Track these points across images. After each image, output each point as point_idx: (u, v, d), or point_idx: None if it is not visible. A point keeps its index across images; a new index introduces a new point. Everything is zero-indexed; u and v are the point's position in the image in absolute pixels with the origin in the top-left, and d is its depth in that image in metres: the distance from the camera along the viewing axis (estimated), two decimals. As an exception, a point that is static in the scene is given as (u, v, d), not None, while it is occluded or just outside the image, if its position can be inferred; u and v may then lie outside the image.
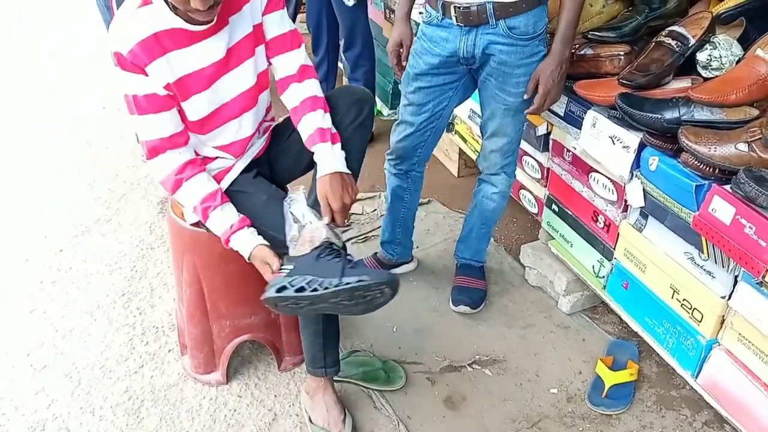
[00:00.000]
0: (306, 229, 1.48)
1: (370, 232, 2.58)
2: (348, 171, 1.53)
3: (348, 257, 1.48)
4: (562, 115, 1.92)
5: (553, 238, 2.18)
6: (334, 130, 1.55)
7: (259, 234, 1.54)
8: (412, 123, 1.91)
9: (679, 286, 1.67)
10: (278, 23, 1.54)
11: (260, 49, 1.54)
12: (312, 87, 1.58)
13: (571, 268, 2.10)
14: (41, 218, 2.74)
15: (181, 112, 1.49)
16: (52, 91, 3.99)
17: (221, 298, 1.77)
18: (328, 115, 1.56)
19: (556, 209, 2.12)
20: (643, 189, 1.67)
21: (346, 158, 1.54)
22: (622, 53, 1.74)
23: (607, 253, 1.92)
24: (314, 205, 1.53)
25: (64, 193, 2.90)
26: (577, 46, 1.82)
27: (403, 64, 1.88)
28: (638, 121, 1.57)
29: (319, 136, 1.51)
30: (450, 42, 1.70)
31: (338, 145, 1.54)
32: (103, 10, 2.64)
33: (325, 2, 2.97)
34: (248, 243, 1.51)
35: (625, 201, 1.77)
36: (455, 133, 2.75)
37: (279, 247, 1.51)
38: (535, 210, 2.30)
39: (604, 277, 1.97)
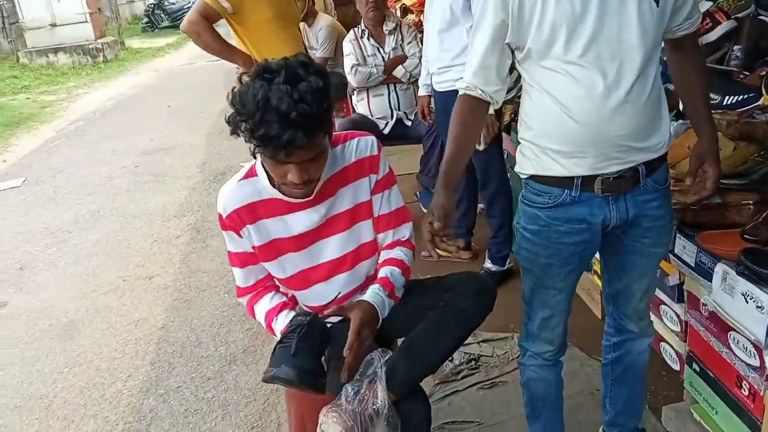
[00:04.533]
0: (366, 390, 1.51)
1: (498, 377, 2.45)
2: (380, 316, 1.53)
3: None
4: (692, 265, 1.75)
5: (697, 402, 1.92)
6: (400, 294, 1.61)
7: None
8: (566, 309, 1.65)
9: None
10: (384, 203, 1.65)
11: (362, 224, 1.64)
12: (399, 252, 1.66)
13: (717, 440, 1.81)
14: (193, 349, 3.00)
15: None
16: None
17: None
18: (402, 274, 1.62)
19: (698, 369, 1.88)
20: (786, 357, 1.44)
21: (436, 339, 1.58)
22: (751, 203, 1.58)
23: (754, 427, 1.64)
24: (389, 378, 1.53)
25: (222, 323, 3.18)
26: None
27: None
28: (766, 280, 1.39)
29: (380, 282, 1.59)
30: (595, 216, 1.48)
31: (391, 301, 1.58)
32: None
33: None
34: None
35: (768, 368, 1.53)
36: (594, 273, 2.61)
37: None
38: (676, 366, 2.06)
39: (754, 455, 1.67)
